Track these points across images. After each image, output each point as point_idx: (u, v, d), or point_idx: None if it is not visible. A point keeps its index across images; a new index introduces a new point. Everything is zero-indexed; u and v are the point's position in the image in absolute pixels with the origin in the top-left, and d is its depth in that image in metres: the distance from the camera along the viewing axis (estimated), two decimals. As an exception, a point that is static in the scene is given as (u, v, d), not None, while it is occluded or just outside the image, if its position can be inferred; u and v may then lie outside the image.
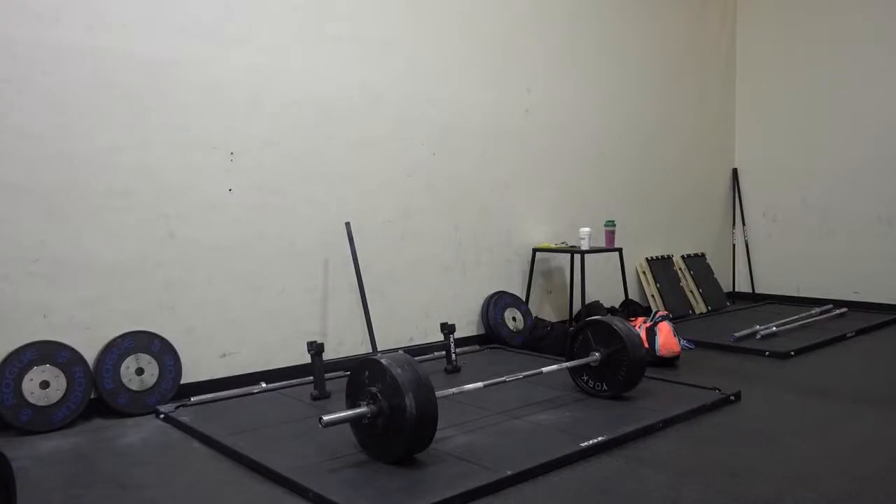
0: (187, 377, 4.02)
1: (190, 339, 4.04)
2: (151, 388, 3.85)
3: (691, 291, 6.88)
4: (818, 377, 4.43)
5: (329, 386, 4.02)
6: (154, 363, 3.87)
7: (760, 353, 5.03)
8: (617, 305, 6.17)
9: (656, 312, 5.16)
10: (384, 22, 4.83)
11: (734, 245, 7.70)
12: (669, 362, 4.73)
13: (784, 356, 4.92)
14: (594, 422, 3.46)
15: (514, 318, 5.49)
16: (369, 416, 2.93)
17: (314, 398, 3.94)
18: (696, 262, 7.13)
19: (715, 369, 4.63)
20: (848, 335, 5.57)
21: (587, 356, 3.88)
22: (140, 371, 3.82)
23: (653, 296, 6.57)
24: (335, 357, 4.51)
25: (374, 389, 2.93)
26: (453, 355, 4.57)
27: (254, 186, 4.27)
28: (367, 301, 4.61)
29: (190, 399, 3.92)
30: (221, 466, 3.03)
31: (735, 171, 7.71)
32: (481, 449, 3.12)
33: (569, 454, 2.97)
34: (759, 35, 7.46)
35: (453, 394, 3.35)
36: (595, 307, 5.80)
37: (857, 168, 6.82)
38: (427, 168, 5.10)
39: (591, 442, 3.09)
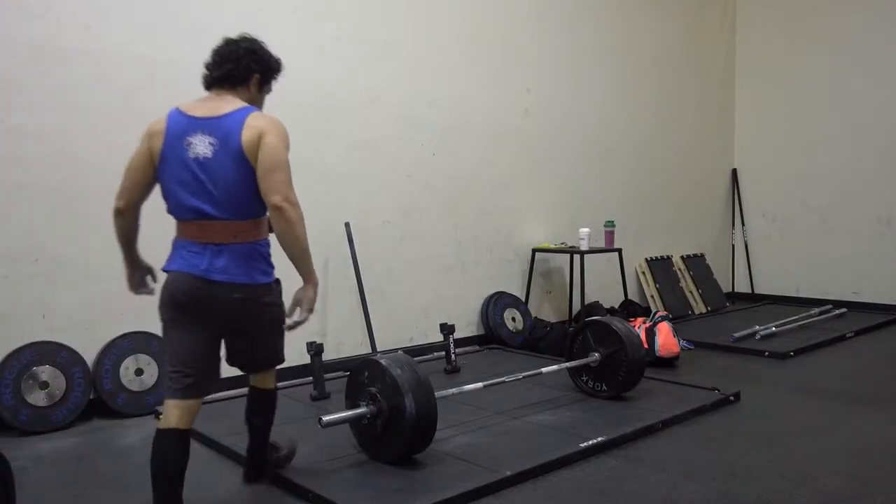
0: (187, 377, 4.01)
1: (189, 340, 4.03)
2: (151, 388, 3.84)
3: (691, 292, 6.88)
4: (817, 377, 4.43)
5: (329, 386, 4.02)
6: (153, 364, 3.87)
7: (760, 353, 5.03)
8: (616, 306, 6.17)
9: (656, 313, 5.16)
10: (384, 22, 4.82)
11: (733, 245, 7.70)
12: (669, 363, 4.73)
13: (783, 356, 4.92)
14: (594, 422, 3.46)
15: (513, 319, 5.49)
16: (369, 416, 2.93)
17: (314, 398, 3.93)
18: (696, 263, 7.13)
19: (714, 370, 4.63)
20: (847, 335, 5.57)
21: (587, 356, 3.88)
22: (139, 371, 3.82)
23: (652, 296, 6.57)
24: (335, 357, 4.50)
25: (373, 390, 2.93)
26: (453, 356, 4.57)
27: (253, 187, 4.26)
28: (367, 301, 4.61)
29: (189, 399, 3.91)
30: (221, 467, 3.03)
31: (734, 172, 7.71)
32: (481, 449, 3.12)
33: (568, 455, 2.97)
34: (759, 35, 7.46)
35: (453, 394, 3.35)
36: (595, 307, 5.80)
37: (856, 168, 6.81)
38: (427, 168, 5.10)
39: (590, 442, 3.09)
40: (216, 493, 2.78)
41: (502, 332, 5.37)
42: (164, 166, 2.36)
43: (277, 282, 2.50)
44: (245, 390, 4.08)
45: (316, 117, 4.52)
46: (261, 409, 2.72)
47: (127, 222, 2.49)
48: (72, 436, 3.46)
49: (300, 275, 2.37)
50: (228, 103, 2.36)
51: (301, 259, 2.34)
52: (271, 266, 2.45)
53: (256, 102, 2.49)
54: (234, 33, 4.16)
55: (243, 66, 2.44)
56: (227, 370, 4.19)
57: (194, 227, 2.35)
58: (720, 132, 7.58)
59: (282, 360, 2.70)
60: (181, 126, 2.34)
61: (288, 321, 2.47)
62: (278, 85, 4.35)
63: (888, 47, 6.57)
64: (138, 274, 2.67)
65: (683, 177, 7.16)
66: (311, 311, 2.41)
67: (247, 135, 2.26)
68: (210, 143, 2.29)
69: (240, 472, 2.95)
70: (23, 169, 3.54)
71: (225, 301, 2.32)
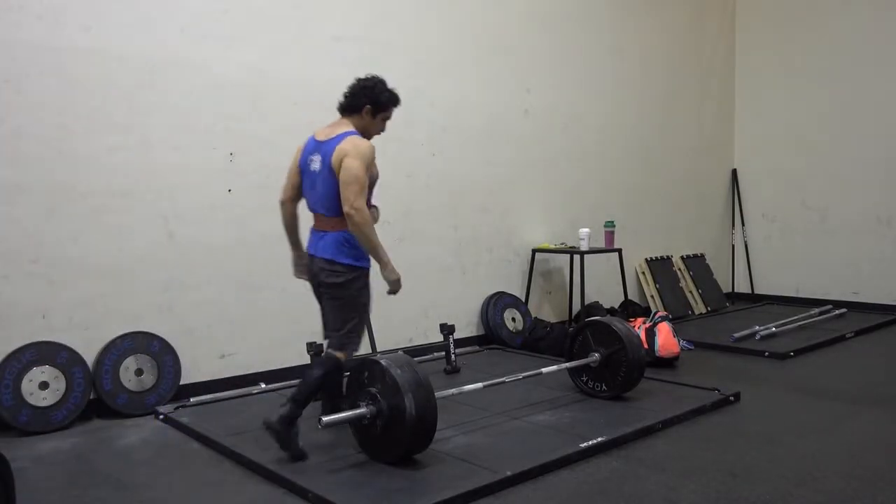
0: (186, 378, 4.02)
1: (189, 340, 4.04)
2: (150, 388, 3.84)
3: (690, 292, 6.88)
4: (817, 378, 4.43)
5: (328, 386, 4.01)
6: (153, 364, 3.87)
7: (760, 353, 5.03)
8: (616, 306, 6.17)
9: (656, 313, 5.16)
10: (384, 22, 4.82)
11: (733, 245, 7.70)
12: (669, 363, 4.73)
13: (783, 357, 4.92)
14: (593, 422, 3.46)
15: (513, 319, 5.49)
16: (369, 416, 2.93)
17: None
18: (696, 263, 7.13)
19: (714, 370, 4.63)
20: (847, 336, 5.57)
21: (587, 357, 3.88)
22: (139, 372, 3.82)
23: (652, 296, 6.57)
24: (335, 357, 4.50)
25: (373, 390, 2.93)
26: (453, 356, 4.57)
27: (253, 186, 4.26)
28: (367, 301, 4.60)
29: (189, 400, 3.91)
30: (221, 467, 3.03)
31: (734, 172, 7.71)
32: (481, 449, 3.12)
33: (568, 455, 2.97)
34: (759, 35, 7.46)
35: (453, 394, 3.35)
36: (594, 308, 5.80)
37: (855, 169, 6.81)
38: (427, 168, 5.09)
39: (590, 443, 3.09)
40: (217, 492, 2.78)
41: (502, 333, 5.37)
42: (302, 175, 3.24)
43: (364, 273, 3.19)
44: (244, 390, 4.12)
45: (316, 117, 4.49)
46: (317, 363, 3.31)
47: (287, 212, 3.34)
48: (71, 436, 3.46)
49: (377, 262, 3.14)
50: (340, 128, 3.17)
51: (372, 251, 3.10)
52: (359, 252, 3.13)
53: (370, 127, 3.25)
54: (234, 33, 4.19)
55: (357, 99, 3.19)
56: (224, 368, 4.22)
57: (315, 219, 3.23)
58: (720, 132, 7.58)
59: (343, 349, 3.18)
60: (310, 147, 3.22)
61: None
62: (278, 85, 4.40)
63: (888, 47, 6.57)
64: (299, 259, 3.40)
65: (683, 177, 7.16)
66: (393, 286, 3.26)
67: (335, 156, 3.06)
68: (319, 161, 3.12)
69: (241, 472, 2.96)
70: (23, 169, 3.54)
71: (319, 269, 3.16)
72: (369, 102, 3.19)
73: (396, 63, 4.89)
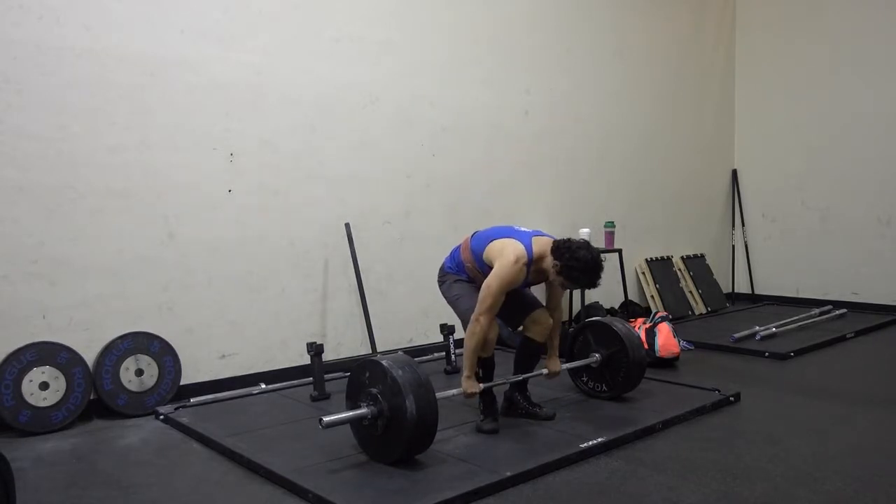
0: (187, 378, 4.02)
1: (189, 340, 4.04)
2: (151, 389, 3.84)
3: (691, 292, 6.87)
4: (817, 378, 4.43)
5: (329, 387, 4.02)
6: (153, 364, 3.87)
7: (760, 353, 5.03)
8: (616, 306, 6.17)
9: (656, 313, 5.15)
10: (383, 22, 4.82)
11: (733, 246, 7.70)
12: (669, 363, 4.73)
13: (783, 357, 4.92)
14: (594, 423, 3.46)
15: (513, 319, 5.48)
16: (369, 417, 2.92)
17: (314, 399, 3.94)
18: (696, 263, 7.13)
19: (714, 370, 4.63)
20: (847, 336, 5.57)
21: (587, 357, 3.88)
22: (139, 372, 3.82)
23: (652, 297, 6.57)
24: (335, 358, 4.50)
25: (374, 391, 2.93)
26: (453, 356, 4.57)
27: (253, 187, 4.26)
28: (367, 302, 4.61)
29: (189, 400, 3.91)
30: (221, 467, 3.03)
31: (734, 172, 7.71)
32: (481, 450, 3.12)
33: (568, 455, 2.97)
34: (759, 35, 7.46)
35: (453, 395, 3.34)
36: (595, 308, 5.79)
37: (856, 169, 6.81)
38: (427, 169, 5.09)
39: (590, 443, 3.09)
40: (217, 492, 2.78)
41: (502, 333, 5.35)
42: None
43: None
44: (244, 391, 4.12)
45: (316, 117, 4.52)
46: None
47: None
48: (72, 436, 3.46)
49: None
50: (538, 245, 3.38)
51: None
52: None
53: (548, 269, 3.33)
54: (234, 33, 4.19)
55: (560, 251, 3.28)
56: (224, 368, 4.21)
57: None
58: (720, 132, 7.58)
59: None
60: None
61: None
62: (278, 85, 4.40)
63: (888, 47, 6.57)
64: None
65: (683, 177, 7.15)
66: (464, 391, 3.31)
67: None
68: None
69: (241, 472, 2.96)
70: (23, 169, 3.54)
71: None
72: (555, 256, 3.29)
73: (396, 63, 4.90)
